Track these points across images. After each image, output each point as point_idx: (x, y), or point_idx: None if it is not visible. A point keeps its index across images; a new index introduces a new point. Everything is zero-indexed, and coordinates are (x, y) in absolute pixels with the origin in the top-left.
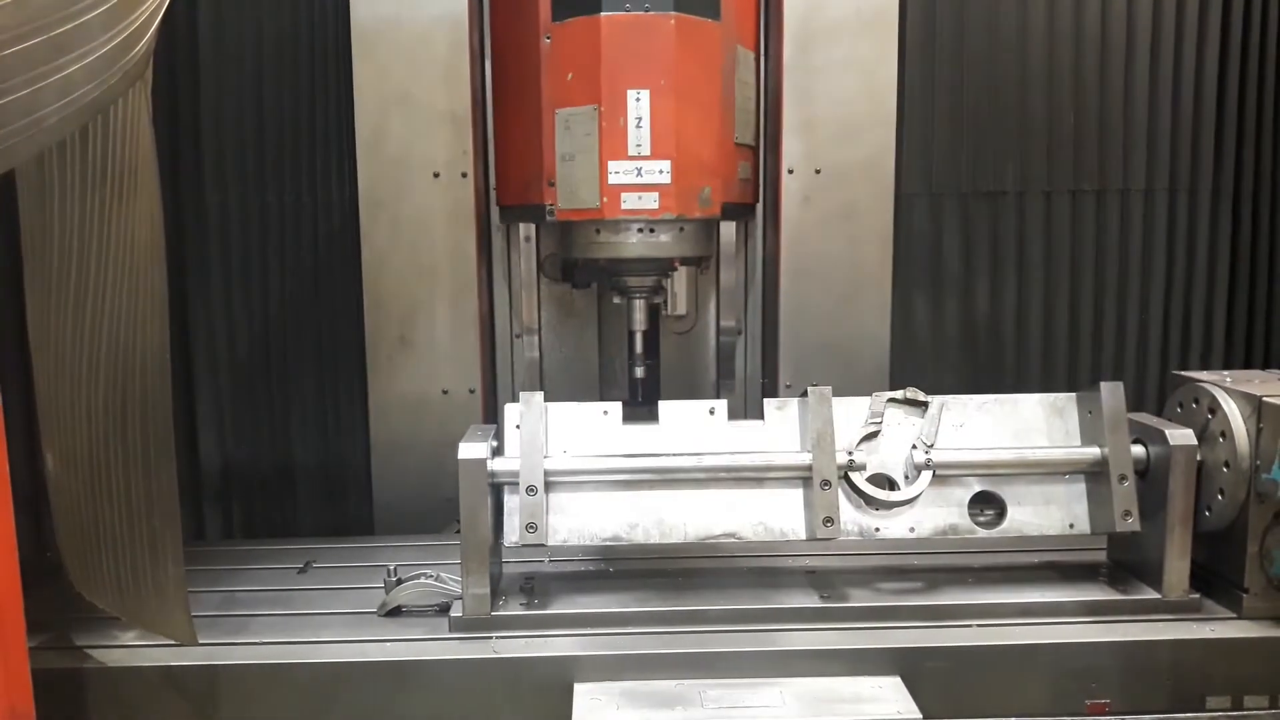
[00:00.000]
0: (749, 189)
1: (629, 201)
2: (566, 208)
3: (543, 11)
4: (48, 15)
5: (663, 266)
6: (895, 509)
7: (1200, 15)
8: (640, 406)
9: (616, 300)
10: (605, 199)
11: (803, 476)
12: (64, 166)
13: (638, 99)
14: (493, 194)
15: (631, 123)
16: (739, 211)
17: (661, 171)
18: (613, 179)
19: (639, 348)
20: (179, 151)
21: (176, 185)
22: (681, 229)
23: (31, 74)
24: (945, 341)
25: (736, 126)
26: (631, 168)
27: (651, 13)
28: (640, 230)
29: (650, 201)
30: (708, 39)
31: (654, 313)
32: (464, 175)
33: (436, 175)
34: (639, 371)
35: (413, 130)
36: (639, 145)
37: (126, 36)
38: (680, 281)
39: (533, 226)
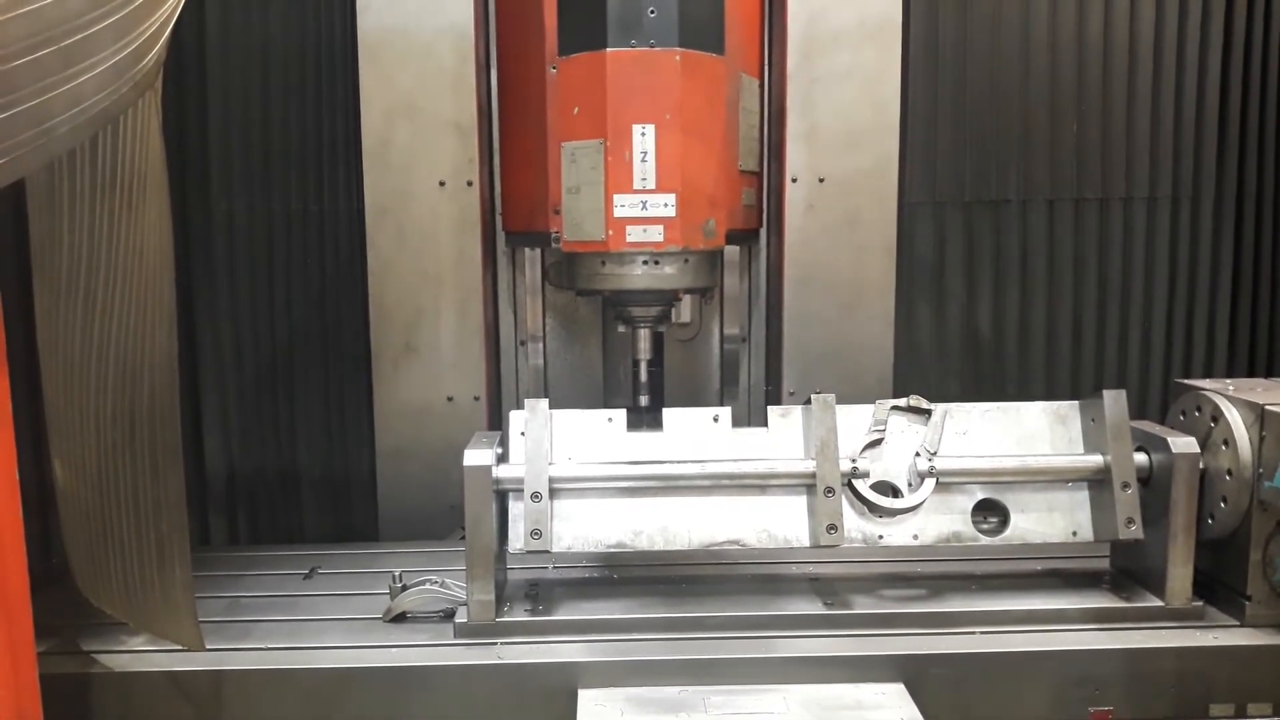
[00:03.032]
0: (753, 214)
1: (634, 234)
2: (572, 239)
3: (549, 43)
4: (58, 26)
5: (667, 297)
6: (899, 516)
7: (1202, 23)
8: (644, 413)
9: (621, 329)
10: (610, 231)
11: (806, 484)
12: (74, 176)
13: (643, 133)
14: (498, 202)
15: (637, 157)
16: (743, 237)
17: (666, 205)
18: (618, 212)
19: (644, 376)
20: (186, 160)
21: (184, 193)
22: (686, 260)
23: (42, 84)
24: (948, 349)
25: (741, 155)
26: (637, 201)
27: (657, 49)
28: (645, 262)
29: (655, 234)
30: (712, 73)
31: (658, 339)
32: (469, 184)
33: (442, 184)
34: (644, 400)
35: (418, 139)
36: (644, 179)
37: (136, 47)
38: (684, 300)
39: None
